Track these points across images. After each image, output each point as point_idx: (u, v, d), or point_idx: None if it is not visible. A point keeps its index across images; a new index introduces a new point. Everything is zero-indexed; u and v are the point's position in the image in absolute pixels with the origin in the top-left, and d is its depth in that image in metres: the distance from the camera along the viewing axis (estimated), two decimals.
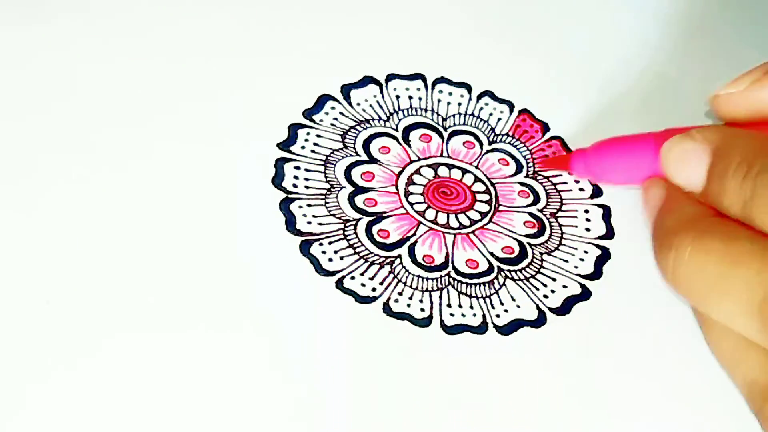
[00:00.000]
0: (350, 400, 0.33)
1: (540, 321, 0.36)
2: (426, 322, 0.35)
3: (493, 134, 0.41)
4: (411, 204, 0.38)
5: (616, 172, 0.38)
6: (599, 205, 0.39)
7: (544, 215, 0.39)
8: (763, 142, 0.34)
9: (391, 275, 0.36)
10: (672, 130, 0.36)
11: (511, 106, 0.42)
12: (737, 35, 0.48)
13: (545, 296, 0.36)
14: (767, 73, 0.36)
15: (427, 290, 0.36)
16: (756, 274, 0.31)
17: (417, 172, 0.39)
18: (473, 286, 0.36)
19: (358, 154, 0.39)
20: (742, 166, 0.33)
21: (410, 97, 0.41)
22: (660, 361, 0.35)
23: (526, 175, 0.40)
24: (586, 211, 0.39)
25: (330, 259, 0.36)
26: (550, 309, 0.36)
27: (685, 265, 0.33)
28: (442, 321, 0.35)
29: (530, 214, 0.39)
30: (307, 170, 0.38)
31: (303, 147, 0.39)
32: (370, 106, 0.41)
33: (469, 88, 0.42)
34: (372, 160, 0.39)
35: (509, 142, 0.41)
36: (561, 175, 0.40)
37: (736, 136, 0.34)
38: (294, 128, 0.40)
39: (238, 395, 0.32)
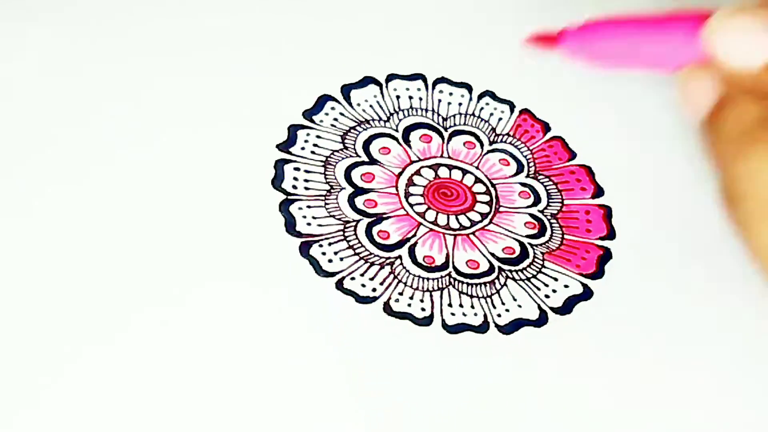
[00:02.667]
0: (351, 399, 0.33)
1: (542, 320, 0.35)
2: (427, 321, 0.35)
3: (493, 134, 0.41)
4: (411, 205, 0.38)
5: (617, 48, 0.35)
6: (600, 206, 0.39)
7: (545, 216, 0.39)
8: None
9: (392, 276, 0.36)
10: (681, 12, 0.34)
11: (512, 106, 0.42)
12: None
13: (546, 296, 0.36)
14: None
15: (427, 290, 0.36)
16: None
17: (417, 173, 0.39)
18: (474, 286, 0.36)
19: (358, 155, 0.39)
20: None
21: (410, 98, 0.41)
22: (661, 360, 0.35)
23: (527, 175, 0.40)
24: (588, 212, 0.39)
25: (330, 260, 0.36)
26: (552, 309, 0.36)
27: (762, 173, 0.31)
28: (443, 320, 0.35)
29: (531, 215, 0.39)
30: (306, 171, 0.38)
31: (303, 148, 0.39)
32: (370, 106, 0.41)
33: (469, 88, 0.42)
34: (372, 161, 0.39)
35: (510, 142, 0.41)
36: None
37: None
38: (294, 129, 0.39)
39: (238, 397, 0.32)
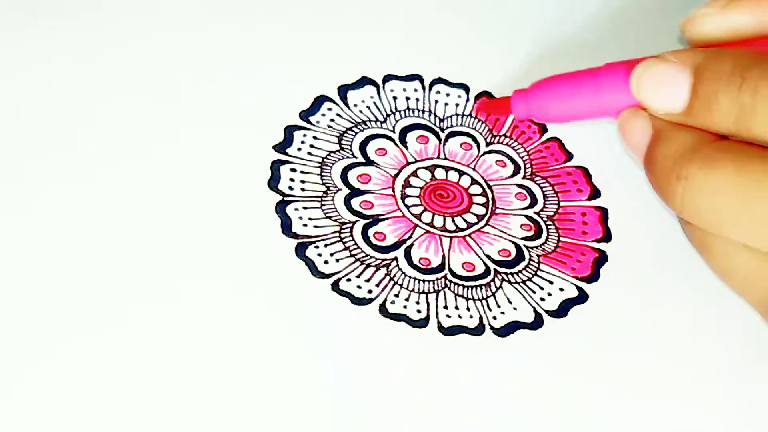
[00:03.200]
0: (347, 400, 0.33)
1: (537, 323, 0.36)
2: (423, 323, 0.35)
3: (490, 135, 0.41)
4: (407, 207, 0.38)
5: (563, 106, 0.37)
6: (597, 208, 0.39)
7: (541, 218, 0.39)
8: (753, 52, 0.33)
9: (388, 277, 0.36)
10: (614, 64, 0.36)
11: None
12: None
13: (542, 299, 0.36)
14: None
15: (423, 292, 0.36)
16: None
17: (414, 174, 0.39)
18: (470, 288, 0.36)
19: (354, 156, 0.39)
20: (735, 77, 0.32)
21: (407, 99, 0.41)
22: (656, 363, 0.35)
23: (524, 177, 0.40)
24: (584, 214, 0.39)
25: (326, 262, 0.36)
26: (547, 312, 0.36)
27: (698, 193, 0.32)
28: (438, 322, 0.35)
29: (527, 216, 0.39)
30: (303, 172, 0.38)
31: (299, 149, 0.39)
32: (367, 107, 0.41)
33: (466, 89, 0.42)
34: (368, 162, 0.39)
35: (507, 143, 0.41)
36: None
37: (720, 51, 0.33)
38: (290, 130, 0.39)
39: (233, 398, 0.32)
